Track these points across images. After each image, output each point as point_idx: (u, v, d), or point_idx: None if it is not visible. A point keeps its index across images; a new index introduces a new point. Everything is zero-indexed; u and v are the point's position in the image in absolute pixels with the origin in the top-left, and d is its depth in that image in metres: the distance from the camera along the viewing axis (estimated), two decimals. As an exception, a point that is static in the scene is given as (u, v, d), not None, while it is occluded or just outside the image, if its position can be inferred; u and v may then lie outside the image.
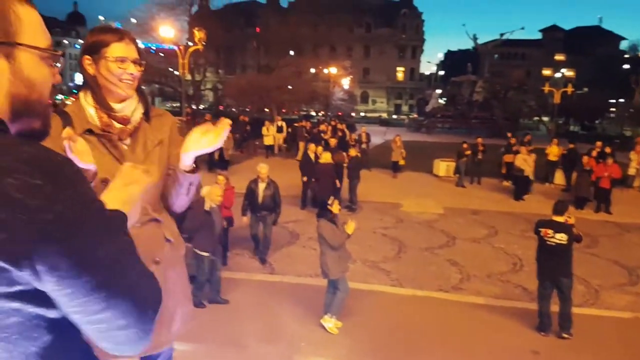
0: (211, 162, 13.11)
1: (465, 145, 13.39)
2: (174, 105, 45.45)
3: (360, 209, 9.98)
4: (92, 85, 1.51)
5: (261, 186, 6.56)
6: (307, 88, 28.76)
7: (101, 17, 79.02)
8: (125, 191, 0.92)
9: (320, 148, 10.32)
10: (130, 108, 1.55)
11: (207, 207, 4.94)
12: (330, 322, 4.63)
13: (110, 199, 0.85)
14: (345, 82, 40.67)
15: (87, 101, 1.53)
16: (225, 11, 38.37)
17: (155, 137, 1.60)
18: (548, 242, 4.71)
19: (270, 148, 17.55)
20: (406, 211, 10.12)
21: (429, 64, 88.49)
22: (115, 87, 1.50)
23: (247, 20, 52.01)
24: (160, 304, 0.80)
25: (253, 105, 26.54)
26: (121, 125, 1.53)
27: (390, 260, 7.15)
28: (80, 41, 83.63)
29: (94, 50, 1.48)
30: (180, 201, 1.61)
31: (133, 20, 30.70)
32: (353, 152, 10.52)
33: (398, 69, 67.26)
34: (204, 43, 18.11)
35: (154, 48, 31.90)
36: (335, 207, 4.63)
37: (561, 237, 4.63)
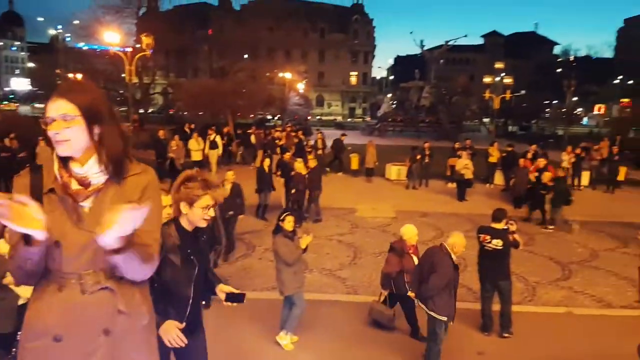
0: (161, 171, 12.70)
1: (416, 152, 13.98)
2: (121, 109, 42.78)
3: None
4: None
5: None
6: (263, 92, 28.20)
7: (40, 18, 74.42)
8: None
9: (267, 160, 9.99)
10: (94, 169, 1.44)
11: (454, 258, 4.18)
12: (285, 340, 4.60)
13: None
14: (301, 86, 40.80)
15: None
16: (175, 13, 37.11)
17: (123, 198, 1.45)
18: (486, 247, 5.09)
19: (198, 164, 13.87)
20: (361, 216, 10.41)
21: (380, 69, 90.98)
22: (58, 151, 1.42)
23: (198, 22, 50.60)
24: None
25: (206, 110, 25.79)
26: (79, 187, 1.43)
27: (346, 267, 7.33)
28: (17, 43, 77.77)
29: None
30: (125, 273, 1.45)
31: (76, 22, 29.27)
32: (312, 162, 10.06)
33: (351, 73, 68.69)
34: (151, 49, 17.42)
35: (99, 51, 30.33)
36: (287, 224, 4.48)
37: (497, 243, 5.02)
